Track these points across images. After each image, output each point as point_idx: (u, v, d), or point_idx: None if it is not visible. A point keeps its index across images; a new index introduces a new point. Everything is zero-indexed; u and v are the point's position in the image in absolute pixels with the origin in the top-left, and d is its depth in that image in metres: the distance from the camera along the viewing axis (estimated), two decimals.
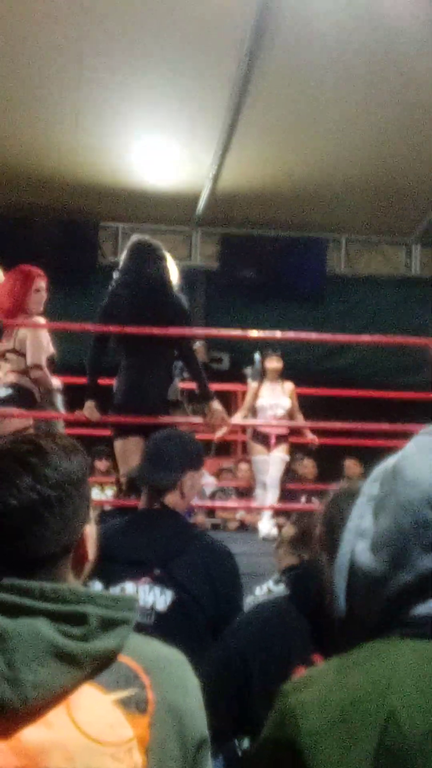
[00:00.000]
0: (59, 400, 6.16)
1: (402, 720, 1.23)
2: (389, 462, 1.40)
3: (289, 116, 10.77)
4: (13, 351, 5.95)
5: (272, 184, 11.93)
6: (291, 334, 7.89)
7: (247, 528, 9.33)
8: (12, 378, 5.94)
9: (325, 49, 9.65)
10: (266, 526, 8.15)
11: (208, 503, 9.55)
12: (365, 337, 8.64)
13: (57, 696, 1.45)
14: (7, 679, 1.42)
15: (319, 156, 11.38)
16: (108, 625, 1.49)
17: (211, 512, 9.78)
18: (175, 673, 1.56)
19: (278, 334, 7.50)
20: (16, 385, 5.91)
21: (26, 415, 5.80)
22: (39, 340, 5.93)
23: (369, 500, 1.37)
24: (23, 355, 5.93)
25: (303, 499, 8.82)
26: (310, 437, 8.67)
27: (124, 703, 1.47)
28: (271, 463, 8.41)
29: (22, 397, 5.87)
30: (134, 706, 1.48)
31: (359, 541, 1.35)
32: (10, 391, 5.91)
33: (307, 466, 9.52)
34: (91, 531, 1.65)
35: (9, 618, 1.46)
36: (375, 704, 1.25)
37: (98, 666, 1.48)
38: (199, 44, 9.76)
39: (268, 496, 8.37)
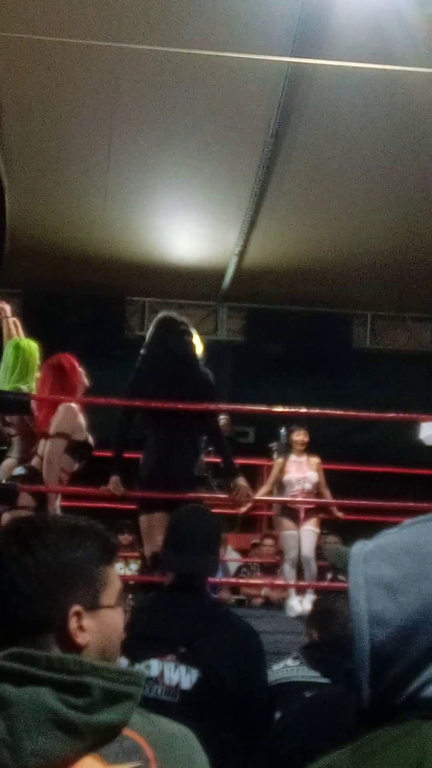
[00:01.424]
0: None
1: None
2: (392, 540, 1.38)
3: (315, 194, 10.90)
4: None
5: (298, 260, 12.03)
6: (316, 410, 7.87)
7: (272, 605, 9.21)
8: (34, 460, 5.96)
9: (351, 129, 9.81)
10: (308, 603, 7.96)
11: (233, 580, 9.46)
12: (390, 414, 8.61)
13: (57, 766, 1.43)
14: (8, 746, 1.41)
15: (344, 232, 11.48)
16: (112, 698, 1.47)
17: (235, 588, 9.68)
18: (181, 749, 1.54)
19: (303, 409, 7.48)
20: (30, 467, 5.92)
21: (44, 489, 5.77)
22: (61, 426, 5.88)
23: (376, 582, 1.33)
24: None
25: (329, 576, 8.72)
26: (337, 513, 8.59)
27: None
28: (304, 537, 8.31)
29: (31, 477, 5.86)
30: None
31: (377, 629, 1.30)
32: (23, 471, 5.92)
33: (330, 542, 9.42)
34: (96, 617, 1.62)
35: (14, 686, 1.46)
36: None
37: (101, 739, 1.46)
38: (227, 123, 9.94)
39: (306, 571, 8.25)
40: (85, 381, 6.12)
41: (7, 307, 6.87)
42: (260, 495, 8.46)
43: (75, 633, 1.60)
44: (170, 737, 1.55)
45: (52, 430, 5.89)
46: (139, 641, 2.93)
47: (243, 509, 6.72)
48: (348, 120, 9.72)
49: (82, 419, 5.98)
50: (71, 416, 5.88)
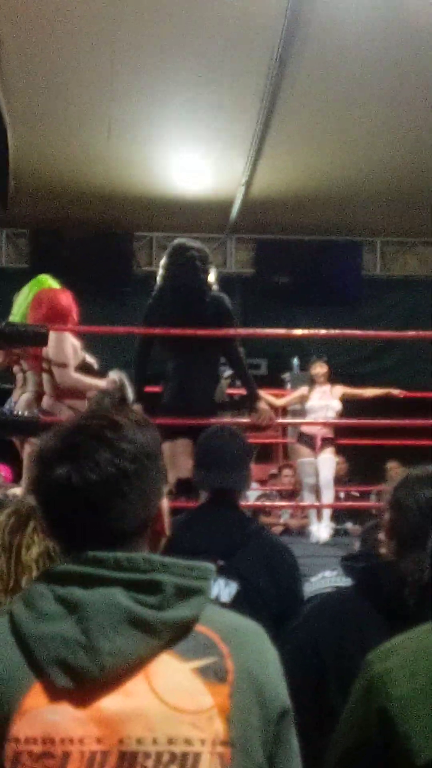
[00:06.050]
0: None
1: None
2: None
3: (321, 121, 10.76)
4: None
5: (305, 189, 11.93)
6: (334, 331, 7.86)
7: (291, 532, 9.28)
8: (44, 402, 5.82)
9: (355, 54, 9.65)
10: (325, 530, 8.06)
11: (255, 503, 9.53)
12: (409, 333, 8.61)
13: (135, 665, 1.43)
14: (84, 648, 1.41)
15: (351, 159, 11.36)
16: (183, 593, 1.47)
17: (254, 516, 9.75)
18: (253, 644, 1.54)
19: (322, 332, 7.48)
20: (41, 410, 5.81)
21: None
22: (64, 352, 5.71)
23: None
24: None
25: (342, 495, 8.82)
26: (397, 392, 8.59)
27: (203, 672, 1.45)
28: (321, 464, 8.35)
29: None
30: (213, 674, 1.46)
31: None
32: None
33: (338, 463, 9.47)
34: (165, 505, 1.62)
35: (85, 588, 1.45)
36: None
37: (175, 635, 1.46)
38: (230, 53, 9.78)
39: (324, 498, 8.31)
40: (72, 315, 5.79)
41: None
42: (280, 403, 8.56)
43: (163, 526, 1.61)
44: (242, 632, 1.54)
45: (52, 359, 5.68)
46: (178, 555, 2.96)
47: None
48: (354, 44, 9.54)
49: (73, 344, 5.67)
50: (60, 343, 5.55)
